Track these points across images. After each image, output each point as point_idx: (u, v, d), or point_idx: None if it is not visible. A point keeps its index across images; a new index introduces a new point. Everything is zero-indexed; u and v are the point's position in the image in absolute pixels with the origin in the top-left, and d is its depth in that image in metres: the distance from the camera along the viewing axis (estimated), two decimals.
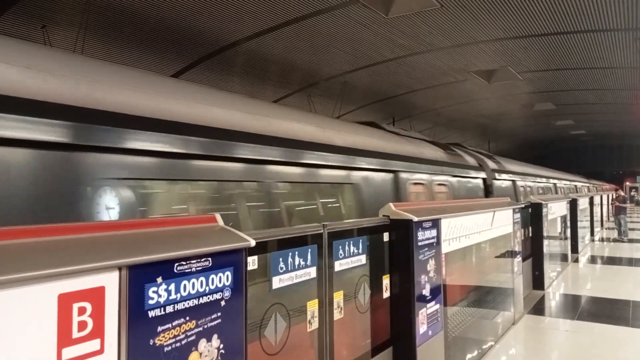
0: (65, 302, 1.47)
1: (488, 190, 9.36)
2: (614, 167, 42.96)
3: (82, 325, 1.52)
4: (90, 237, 1.70)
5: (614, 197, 18.68)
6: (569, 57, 13.00)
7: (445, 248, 4.40)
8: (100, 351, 1.58)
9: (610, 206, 24.30)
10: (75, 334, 1.50)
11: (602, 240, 16.75)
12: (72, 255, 1.52)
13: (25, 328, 1.38)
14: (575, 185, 24.09)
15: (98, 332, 1.57)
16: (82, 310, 1.52)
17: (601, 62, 13.60)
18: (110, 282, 1.61)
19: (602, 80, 15.96)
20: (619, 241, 15.99)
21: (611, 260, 11.94)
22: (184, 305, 1.88)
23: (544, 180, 15.61)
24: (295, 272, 2.77)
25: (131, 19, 8.79)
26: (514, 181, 11.19)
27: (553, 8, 9.41)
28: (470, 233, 5.04)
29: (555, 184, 17.87)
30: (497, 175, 9.85)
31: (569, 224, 11.58)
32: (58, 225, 1.66)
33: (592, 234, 16.56)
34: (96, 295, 1.57)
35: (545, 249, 8.60)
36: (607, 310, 7.09)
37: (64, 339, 1.47)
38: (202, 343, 1.95)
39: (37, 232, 1.57)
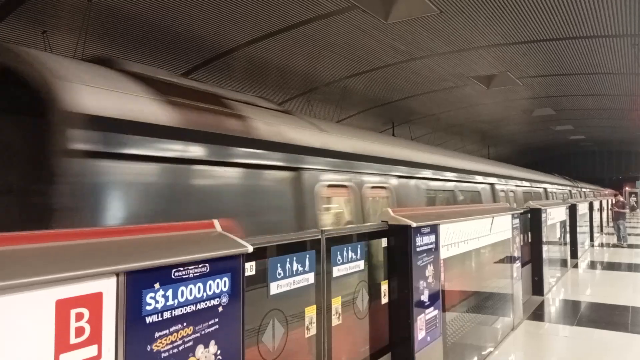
0: (62, 308, 1.48)
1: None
2: (613, 172, 42.99)
3: (79, 331, 1.52)
4: (88, 243, 1.71)
5: (613, 202, 18.70)
6: (568, 62, 13.03)
7: (444, 254, 4.40)
8: (98, 357, 1.58)
9: (609, 211, 24.29)
10: (73, 340, 1.50)
11: (601, 245, 16.74)
12: (69, 261, 1.53)
13: (23, 334, 1.38)
14: (545, 189, 16.53)
15: (95, 338, 1.57)
16: (79, 316, 1.52)
17: (600, 68, 13.64)
18: (108, 288, 1.62)
19: (601, 86, 16.00)
20: (619, 246, 15.98)
21: (610, 266, 11.93)
22: (181, 311, 1.88)
23: (453, 176, 7.99)
24: (293, 278, 2.78)
25: (131, 25, 8.82)
26: (299, 172, 4.20)
27: (552, 14, 9.45)
28: (469, 239, 5.05)
29: (492, 184, 10.20)
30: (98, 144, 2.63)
31: (568, 229, 11.58)
32: (56, 231, 1.66)
33: (591, 239, 16.56)
34: (94, 301, 1.57)
35: (544, 255, 8.59)
36: (606, 316, 7.07)
37: (62, 344, 1.47)
38: (200, 349, 1.95)
39: (35, 238, 1.58)
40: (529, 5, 9.03)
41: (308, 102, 14.80)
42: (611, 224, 18.99)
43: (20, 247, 1.52)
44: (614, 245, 16.32)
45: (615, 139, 32.17)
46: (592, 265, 12.18)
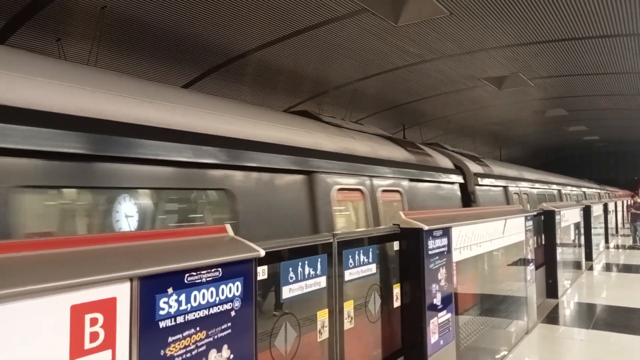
0: (77, 313, 1.49)
1: None
2: (628, 173, 42.38)
3: (94, 336, 1.54)
4: (101, 249, 1.73)
5: (630, 203, 18.42)
6: (580, 62, 12.89)
7: (457, 256, 4.37)
8: None
9: (625, 213, 23.92)
10: (88, 345, 1.52)
11: (617, 247, 16.49)
12: (84, 267, 1.55)
13: (39, 339, 1.40)
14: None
15: (110, 342, 1.59)
16: (94, 321, 1.54)
17: (613, 68, 13.47)
18: (122, 293, 1.63)
19: (614, 86, 15.79)
20: (635, 248, 15.75)
21: (627, 268, 11.75)
22: (194, 315, 1.89)
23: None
24: (305, 282, 2.78)
25: (143, 31, 8.91)
26: None
27: (564, 14, 9.37)
28: (482, 241, 5.00)
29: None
30: None
31: (582, 231, 11.43)
32: (70, 237, 1.68)
33: (606, 241, 16.33)
34: (108, 306, 1.59)
35: (558, 257, 8.49)
36: (623, 320, 6.96)
37: (76, 349, 1.49)
38: (213, 353, 1.96)
39: (50, 244, 1.60)
40: (541, 6, 8.96)
41: (318, 106, 14.82)
42: (627, 226, 18.70)
43: (36, 253, 1.54)
44: (630, 247, 16.07)
45: (631, 139, 31.71)
46: (608, 267, 12.00)
